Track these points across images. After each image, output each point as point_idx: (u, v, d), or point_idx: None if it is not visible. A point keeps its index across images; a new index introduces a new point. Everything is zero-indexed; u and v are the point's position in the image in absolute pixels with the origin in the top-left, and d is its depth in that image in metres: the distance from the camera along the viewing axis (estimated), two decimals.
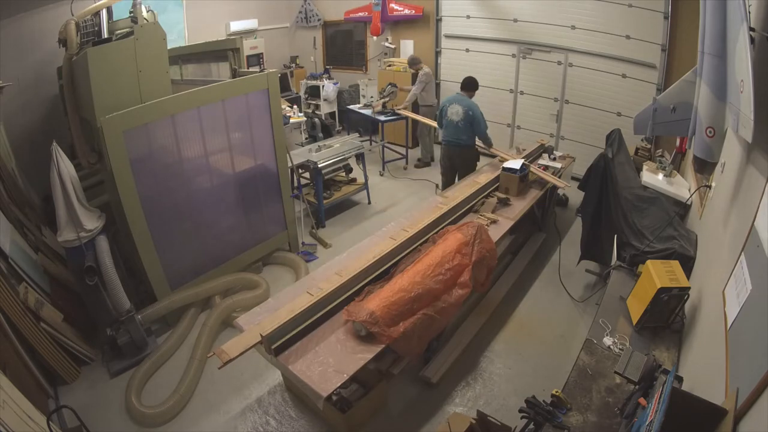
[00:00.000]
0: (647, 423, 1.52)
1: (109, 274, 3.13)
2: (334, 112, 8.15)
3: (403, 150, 6.75)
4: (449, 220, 3.64)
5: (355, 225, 5.21)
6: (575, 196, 4.89)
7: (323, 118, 7.67)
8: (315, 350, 2.48)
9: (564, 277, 4.06)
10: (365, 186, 5.60)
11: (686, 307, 2.44)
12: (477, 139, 4.76)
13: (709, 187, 2.90)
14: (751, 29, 1.78)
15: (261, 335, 2.42)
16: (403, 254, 3.19)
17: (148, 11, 3.85)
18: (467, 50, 6.75)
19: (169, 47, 3.70)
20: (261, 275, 4.11)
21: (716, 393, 1.59)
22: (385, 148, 6.61)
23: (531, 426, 1.91)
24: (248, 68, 5.72)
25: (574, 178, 5.06)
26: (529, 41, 6.05)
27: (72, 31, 3.52)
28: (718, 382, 1.61)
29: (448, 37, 6.91)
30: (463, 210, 3.84)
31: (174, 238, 3.57)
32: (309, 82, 7.99)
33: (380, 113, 6.53)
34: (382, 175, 6.45)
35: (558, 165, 4.73)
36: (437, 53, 7.09)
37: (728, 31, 1.98)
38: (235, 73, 4.71)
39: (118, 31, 3.81)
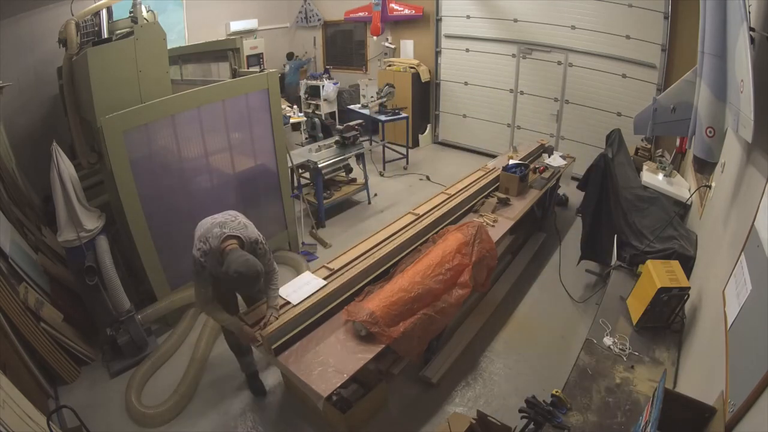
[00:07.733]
0: (642, 424, 1.52)
1: (109, 274, 3.13)
2: (334, 112, 8.14)
3: (403, 150, 6.74)
4: (449, 220, 3.64)
5: (355, 225, 5.20)
6: (575, 196, 4.89)
7: (323, 118, 7.66)
8: (315, 350, 2.48)
9: (564, 277, 4.05)
10: (365, 186, 5.60)
11: (686, 307, 2.45)
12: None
13: (709, 187, 2.90)
14: (751, 29, 1.78)
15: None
16: (403, 254, 3.19)
17: (148, 11, 3.85)
18: (467, 50, 6.75)
19: (169, 47, 3.70)
20: None
21: (716, 393, 1.58)
22: (385, 148, 6.61)
23: (531, 426, 1.92)
24: (248, 68, 5.72)
25: (574, 178, 5.06)
26: (529, 41, 6.05)
27: (72, 31, 3.52)
28: (718, 382, 1.61)
29: (448, 37, 6.91)
30: (463, 210, 3.84)
31: (174, 238, 3.56)
32: (309, 82, 7.99)
33: (380, 113, 6.53)
34: (382, 175, 6.44)
35: (557, 165, 4.72)
36: (437, 53, 7.09)
37: (728, 31, 1.98)
38: (235, 73, 4.71)
39: (118, 31, 3.81)
